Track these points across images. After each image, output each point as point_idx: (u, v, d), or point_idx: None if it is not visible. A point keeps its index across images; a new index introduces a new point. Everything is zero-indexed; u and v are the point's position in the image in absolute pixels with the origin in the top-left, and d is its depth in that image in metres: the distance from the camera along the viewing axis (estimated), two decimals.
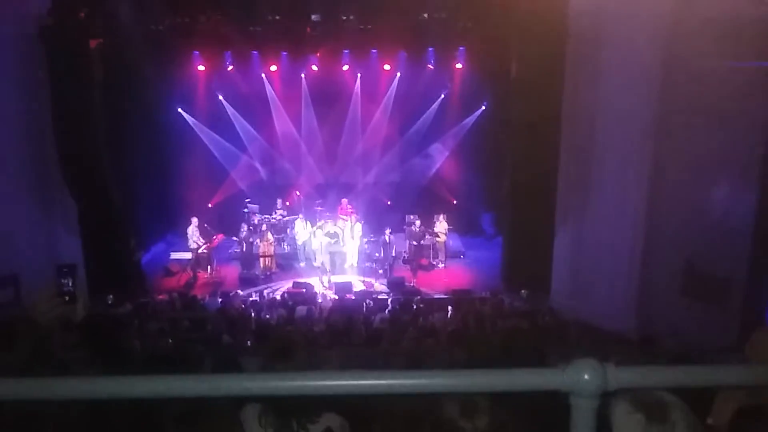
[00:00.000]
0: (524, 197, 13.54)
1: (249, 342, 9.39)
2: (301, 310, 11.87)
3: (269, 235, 15.34)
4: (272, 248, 15.36)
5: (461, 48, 16.36)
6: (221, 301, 12.47)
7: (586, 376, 1.67)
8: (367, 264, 15.60)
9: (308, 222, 16.13)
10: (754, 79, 9.29)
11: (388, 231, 15.14)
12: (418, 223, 15.79)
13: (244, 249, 15.29)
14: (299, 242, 16.06)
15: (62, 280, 2.81)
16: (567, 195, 12.82)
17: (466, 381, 1.76)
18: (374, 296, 13.38)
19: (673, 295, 10.89)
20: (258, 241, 15.26)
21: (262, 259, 15.20)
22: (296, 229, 16.16)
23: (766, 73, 9.17)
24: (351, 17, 14.80)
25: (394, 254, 15.25)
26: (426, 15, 14.61)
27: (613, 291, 11.85)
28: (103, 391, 1.72)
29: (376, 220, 16.92)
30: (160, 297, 13.30)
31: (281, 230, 16.65)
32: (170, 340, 9.07)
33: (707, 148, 9.99)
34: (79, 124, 12.61)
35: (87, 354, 3.41)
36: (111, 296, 12.45)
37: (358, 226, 15.73)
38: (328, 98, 17.47)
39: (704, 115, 9.91)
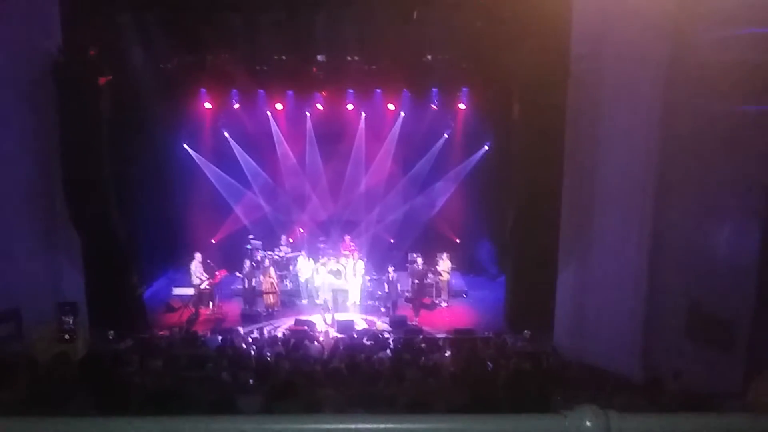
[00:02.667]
0: (527, 237, 13.55)
1: (250, 380, 9.29)
2: (303, 348, 11.78)
3: (272, 272, 15.32)
4: (275, 285, 15.32)
5: (464, 89, 16.60)
6: (222, 339, 12.38)
7: (588, 423, 1.65)
8: (370, 302, 15.54)
9: (311, 259, 16.12)
10: (755, 121, 9.37)
11: (391, 269, 15.11)
12: (420, 261, 15.76)
13: (247, 285, 15.24)
14: (302, 279, 16.03)
15: (63, 318, 2.80)
16: (570, 235, 12.81)
17: (468, 426, 1.74)
18: (376, 335, 13.27)
19: (678, 337, 10.78)
20: (261, 277, 15.23)
21: (264, 296, 15.15)
22: (299, 266, 16.14)
23: (766, 115, 9.26)
24: (356, 57, 15.10)
25: (396, 292, 15.18)
26: (430, 56, 14.91)
27: (617, 332, 11.74)
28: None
29: (378, 258, 16.92)
30: (161, 333, 13.22)
31: (284, 267, 16.64)
32: (169, 378, 8.98)
33: (710, 190, 10.03)
34: (86, 159, 12.73)
35: (85, 392, 3.38)
36: (112, 332, 12.39)
37: (361, 264, 15.71)
38: (333, 136, 17.66)
39: (706, 157, 9.97)
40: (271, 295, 15.13)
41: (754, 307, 9.62)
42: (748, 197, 9.65)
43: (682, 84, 10.28)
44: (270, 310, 15.06)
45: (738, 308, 9.87)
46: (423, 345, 12.25)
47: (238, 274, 16.02)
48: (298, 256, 16.49)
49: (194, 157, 17.30)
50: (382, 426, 1.67)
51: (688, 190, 10.45)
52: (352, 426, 1.68)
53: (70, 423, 1.77)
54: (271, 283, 15.15)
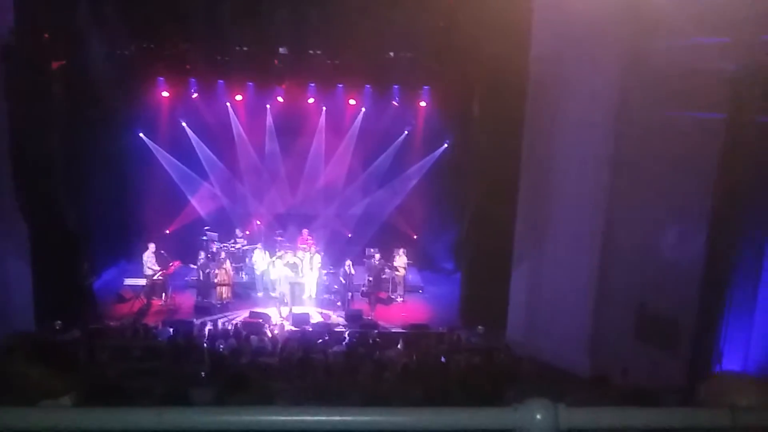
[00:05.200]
0: (483, 235, 13.72)
1: (203, 373, 9.19)
2: (257, 340, 11.69)
3: (227, 264, 15.13)
4: (230, 277, 15.14)
5: (425, 87, 16.65)
6: (174, 330, 12.18)
7: (538, 416, 1.69)
8: (326, 296, 15.51)
9: (267, 252, 15.98)
10: (704, 128, 9.70)
11: (348, 263, 15.10)
12: (377, 256, 15.80)
13: (201, 277, 15.02)
14: (258, 272, 15.88)
15: None
16: (525, 234, 13.05)
17: (420, 419, 1.77)
18: (332, 328, 13.26)
19: (626, 336, 11.11)
20: (216, 269, 15.03)
21: (218, 288, 14.95)
22: (255, 258, 15.98)
23: (715, 123, 9.59)
24: (318, 51, 14.99)
25: (353, 287, 15.19)
26: (392, 54, 14.91)
27: (567, 330, 12.04)
28: (35, 423, 1.65)
29: (336, 252, 16.87)
30: (111, 324, 12.92)
31: (240, 259, 16.45)
32: (118, 369, 8.82)
33: (659, 194, 10.36)
34: (35, 145, 12.34)
35: (28, 383, 3.29)
36: (59, 322, 12.07)
37: (318, 258, 15.65)
38: (293, 129, 17.51)
39: (656, 163, 10.30)
40: (224, 288, 14.95)
41: (698, 308, 9.98)
42: (695, 202, 10.00)
43: (636, 90, 10.59)
44: (223, 301, 14.89)
45: (682, 308, 10.22)
46: (378, 339, 12.32)
47: (192, 266, 15.76)
48: (255, 248, 16.32)
49: (150, 147, 16.93)
50: (335, 418, 1.68)
51: (638, 193, 10.77)
52: (305, 418, 1.69)
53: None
54: (226, 275, 14.98)
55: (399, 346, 11.93)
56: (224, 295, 14.96)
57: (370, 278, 15.64)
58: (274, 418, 1.72)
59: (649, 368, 10.15)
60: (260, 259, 15.86)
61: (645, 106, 10.44)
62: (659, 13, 9.97)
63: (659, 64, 10.07)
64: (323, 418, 1.68)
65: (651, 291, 10.69)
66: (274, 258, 15.65)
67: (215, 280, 14.95)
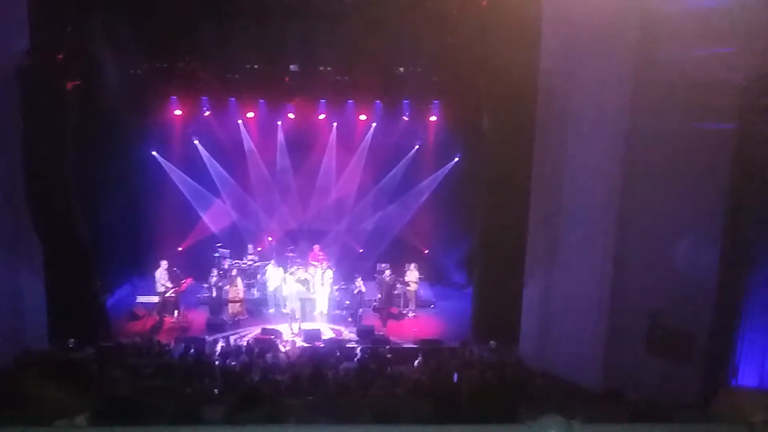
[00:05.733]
0: (494, 249, 13.68)
1: (215, 390, 9.18)
2: (269, 357, 11.68)
3: (239, 281, 15.18)
4: (242, 294, 15.18)
5: (435, 101, 16.72)
6: (186, 347, 12.20)
7: None
8: (337, 311, 15.49)
9: (281, 268, 16.01)
10: (715, 138, 9.65)
11: (359, 279, 15.08)
12: (389, 272, 15.78)
13: (214, 294, 15.07)
14: (271, 288, 15.90)
15: None
16: (536, 248, 12.98)
17: None
18: (343, 344, 13.23)
19: (639, 349, 10.99)
20: (228, 286, 15.07)
21: (230, 305, 14.99)
22: (268, 274, 16.01)
23: (727, 133, 9.54)
24: (329, 68, 15.12)
25: (364, 302, 15.16)
26: (402, 69, 15.00)
27: (579, 344, 11.92)
28: None
29: (347, 267, 16.87)
30: (124, 341, 12.97)
31: (251, 276, 16.50)
32: (131, 387, 8.82)
33: (671, 205, 10.28)
34: (50, 164, 12.49)
35: (42, 401, 3.31)
36: (72, 340, 12.13)
37: (329, 273, 15.65)
38: (304, 146, 17.61)
39: (668, 173, 10.23)
40: (236, 304, 15.00)
41: (712, 321, 9.86)
42: (708, 212, 9.92)
43: (647, 101, 10.55)
44: (235, 318, 14.92)
45: (696, 320, 10.10)
46: (389, 355, 12.27)
47: (205, 284, 15.81)
48: (267, 264, 16.36)
49: (163, 164, 17.08)
50: None
51: (651, 205, 10.70)
52: None
53: None
54: (237, 292, 15.02)
55: (413, 362, 11.87)
56: (236, 312, 14.99)
57: (383, 292, 15.60)
58: None
59: (662, 382, 10.02)
60: (273, 275, 15.89)
61: (656, 116, 10.40)
62: (669, 23, 9.97)
63: (669, 75, 10.03)
64: None
65: (664, 303, 10.58)
66: (286, 274, 15.68)
67: (227, 297, 14.99)
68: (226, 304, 15.03)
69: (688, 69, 9.71)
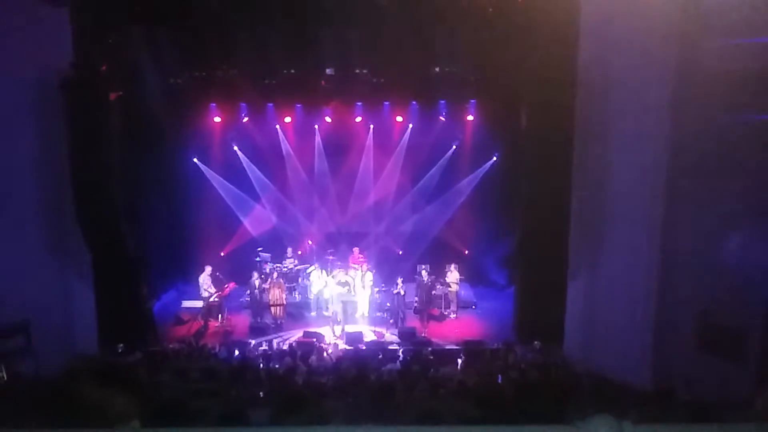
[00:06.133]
0: (536, 248, 13.48)
1: (260, 393, 9.27)
2: (311, 360, 11.75)
3: (280, 284, 15.34)
4: (283, 297, 15.32)
5: (472, 100, 16.63)
6: (231, 351, 12.36)
7: None
8: (378, 314, 15.50)
9: (324, 271, 16.12)
10: (761, 130, 9.33)
11: (399, 280, 15.08)
12: (425, 273, 15.71)
13: (255, 298, 15.26)
14: (314, 291, 16.02)
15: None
16: (579, 246, 12.75)
17: None
18: (385, 346, 13.22)
19: (689, 347, 10.69)
20: (269, 289, 15.24)
21: (272, 308, 15.16)
22: (311, 278, 16.15)
23: None
24: (364, 70, 15.17)
25: (405, 304, 15.14)
26: (437, 69, 14.94)
27: (627, 342, 11.66)
28: None
29: (387, 269, 16.88)
30: (171, 346, 13.23)
31: (293, 279, 16.64)
32: (178, 391, 8.97)
33: (721, 200, 9.97)
34: (96, 174, 12.82)
35: (94, 405, 3.38)
36: (122, 345, 12.42)
37: (369, 276, 15.68)
38: (341, 149, 17.72)
39: (717, 167, 9.93)
40: (278, 308, 15.15)
41: (765, 317, 9.54)
42: (758, 206, 9.60)
43: (690, 93, 10.27)
44: (277, 321, 15.06)
45: (749, 318, 9.79)
46: (432, 357, 12.21)
47: (246, 290, 16.02)
48: (307, 268, 16.49)
49: (204, 171, 17.39)
50: None
51: (697, 199, 10.41)
52: None
53: None
54: (279, 295, 15.17)
55: (456, 364, 11.79)
56: (278, 315, 15.15)
57: (419, 295, 15.56)
58: None
59: (713, 381, 9.74)
60: (317, 278, 16.01)
61: (699, 109, 10.11)
62: (710, 13, 9.70)
63: (713, 66, 9.75)
64: None
65: (714, 299, 10.28)
66: (327, 277, 15.78)
67: (269, 301, 15.16)
68: (268, 308, 15.20)
69: (733, 59, 9.42)
